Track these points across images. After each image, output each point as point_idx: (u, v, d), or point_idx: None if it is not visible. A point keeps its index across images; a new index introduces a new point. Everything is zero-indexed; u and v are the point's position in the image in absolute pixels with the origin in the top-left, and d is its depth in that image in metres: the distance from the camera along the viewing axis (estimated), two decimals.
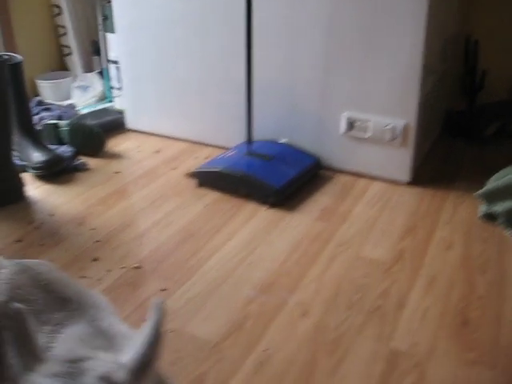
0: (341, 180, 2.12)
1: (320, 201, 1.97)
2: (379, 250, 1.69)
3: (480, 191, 1.92)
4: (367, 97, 2.03)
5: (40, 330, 0.83)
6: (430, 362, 1.28)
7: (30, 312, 0.84)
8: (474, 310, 1.45)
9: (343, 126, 2.09)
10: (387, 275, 1.58)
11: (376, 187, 2.07)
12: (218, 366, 1.27)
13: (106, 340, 0.80)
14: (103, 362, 0.68)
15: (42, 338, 0.80)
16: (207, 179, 2.05)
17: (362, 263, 1.64)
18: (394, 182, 2.09)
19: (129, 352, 0.69)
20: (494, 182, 1.96)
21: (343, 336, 1.36)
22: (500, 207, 1.85)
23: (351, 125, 2.08)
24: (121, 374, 0.66)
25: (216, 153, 2.24)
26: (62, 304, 0.87)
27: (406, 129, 2.00)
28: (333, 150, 2.15)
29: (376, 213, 1.90)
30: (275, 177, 1.96)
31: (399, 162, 2.07)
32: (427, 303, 1.47)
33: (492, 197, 1.90)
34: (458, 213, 1.90)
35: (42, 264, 0.97)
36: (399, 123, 2.00)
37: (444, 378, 1.24)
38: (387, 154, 2.07)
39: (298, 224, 1.83)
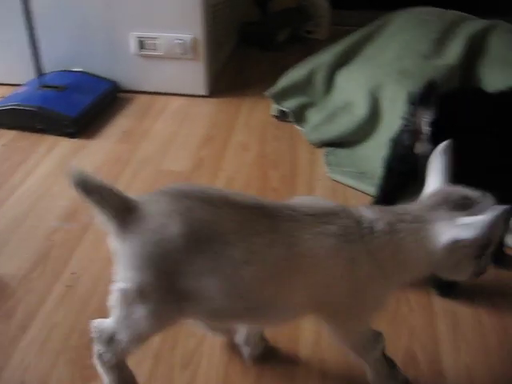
0: (140, 100, 2.13)
1: (120, 124, 1.98)
2: (180, 162, 1.76)
3: (270, 90, 2.04)
4: (153, 14, 2.03)
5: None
6: None
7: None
8: None
9: (133, 45, 2.08)
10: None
11: (175, 103, 2.11)
12: (27, 297, 1.28)
13: None
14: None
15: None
16: (1, 119, 1.96)
17: (163, 176, 1.69)
18: (192, 97, 2.14)
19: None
20: (282, 82, 2.09)
21: None
22: (289, 104, 1.99)
23: (141, 44, 2.07)
24: None
25: (10, 91, 2.14)
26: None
27: (194, 43, 2.04)
28: (127, 71, 2.15)
29: (176, 127, 1.95)
30: (70, 106, 1.92)
31: (194, 76, 2.12)
32: None
33: (282, 95, 2.03)
34: (253, 116, 2.01)
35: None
36: (187, 37, 2.04)
37: None
38: (182, 70, 2.11)
39: (99, 149, 1.84)
